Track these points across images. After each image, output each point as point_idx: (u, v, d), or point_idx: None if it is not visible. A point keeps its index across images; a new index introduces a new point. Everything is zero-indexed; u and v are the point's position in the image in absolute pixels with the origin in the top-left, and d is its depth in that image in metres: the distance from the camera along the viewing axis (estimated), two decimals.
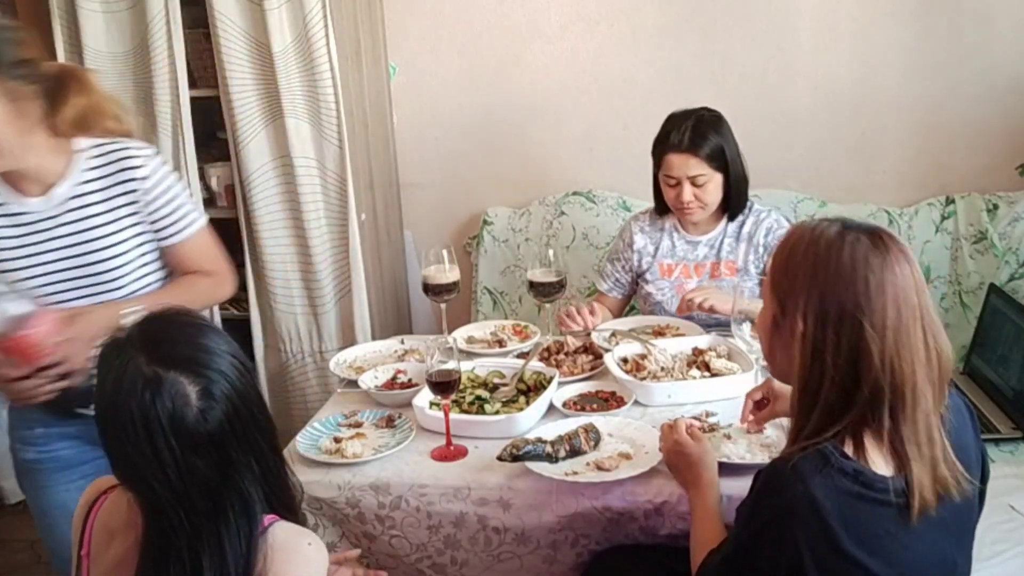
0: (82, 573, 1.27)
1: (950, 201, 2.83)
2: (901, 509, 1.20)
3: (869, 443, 1.21)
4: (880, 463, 1.21)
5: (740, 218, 2.35)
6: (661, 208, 2.41)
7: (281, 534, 1.22)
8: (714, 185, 2.26)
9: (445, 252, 2.16)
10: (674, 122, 2.27)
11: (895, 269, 1.19)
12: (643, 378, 1.96)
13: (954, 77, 2.81)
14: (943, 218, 2.82)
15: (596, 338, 2.19)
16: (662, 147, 2.27)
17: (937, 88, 2.84)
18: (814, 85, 2.90)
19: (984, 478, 1.35)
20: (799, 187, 2.93)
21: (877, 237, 1.21)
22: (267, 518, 1.24)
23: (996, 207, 2.77)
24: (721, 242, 2.35)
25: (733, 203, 2.31)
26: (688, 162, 2.23)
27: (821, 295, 1.20)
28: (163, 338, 1.22)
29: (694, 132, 2.23)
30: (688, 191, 2.24)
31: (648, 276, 2.42)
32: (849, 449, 1.20)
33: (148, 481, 1.16)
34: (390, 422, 1.91)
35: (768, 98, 2.92)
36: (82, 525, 1.28)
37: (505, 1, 3.00)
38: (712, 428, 1.78)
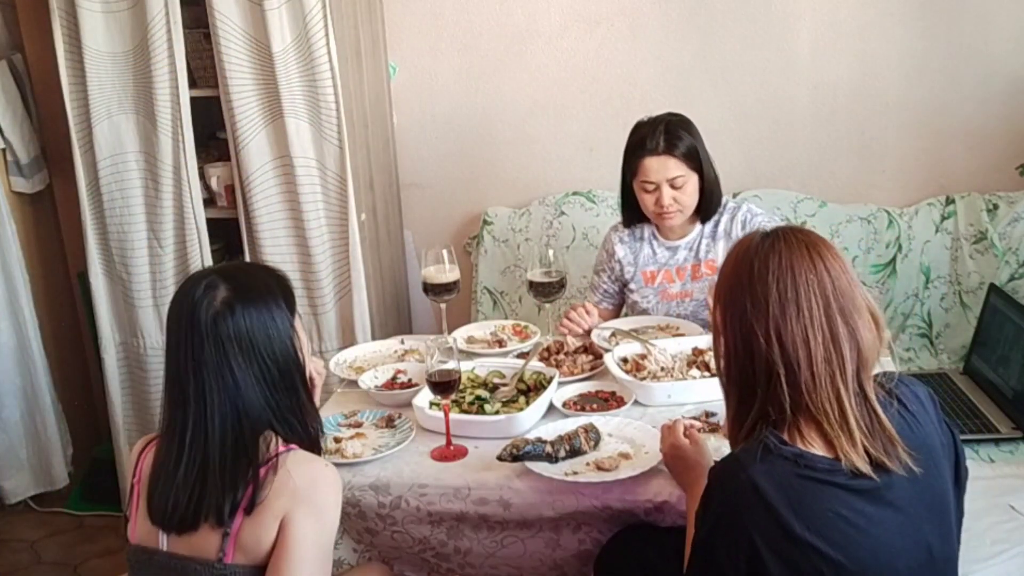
0: (134, 496, 1.49)
1: (950, 201, 2.83)
2: (852, 491, 1.22)
3: (807, 429, 1.25)
4: (820, 446, 1.24)
5: (715, 217, 2.35)
6: (630, 219, 2.40)
7: (299, 454, 1.43)
8: (692, 186, 2.25)
9: (445, 252, 2.16)
10: (645, 128, 2.27)
11: (782, 255, 1.26)
12: (643, 378, 1.96)
13: (954, 77, 2.81)
14: (943, 218, 2.82)
15: (596, 338, 2.20)
16: (639, 152, 2.25)
17: (937, 88, 2.84)
18: (814, 85, 2.90)
19: (958, 466, 1.36)
20: (799, 187, 2.93)
21: (776, 231, 1.31)
22: (292, 445, 1.44)
23: (996, 207, 2.77)
24: (699, 244, 2.35)
25: (706, 204, 2.31)
26: (667, 164, 2.22)
27: (722, 282, 1.32)
28: (242, 271, 1.53)
29: (668, 134, 2.23)
30: (668, 194, 2.23)
31: (632, 285, 2.42)
32: (788, 437, 1.24)
33: (169, 363, 1.42)
34: (390, 422, 1.91)
35: (768, 98, 2.92)
36: (135, 463, 1.51)
37: (505, 1, 3.00)
38: (713, 428, 1.78)
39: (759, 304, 1.25)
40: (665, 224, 2.34)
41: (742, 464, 1.22)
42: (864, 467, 1.22)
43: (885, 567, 1.23)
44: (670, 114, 2.30)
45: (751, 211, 2.34)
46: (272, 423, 1.43)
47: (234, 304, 1.40)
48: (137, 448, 1.54)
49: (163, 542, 1.43)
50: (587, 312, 2.28)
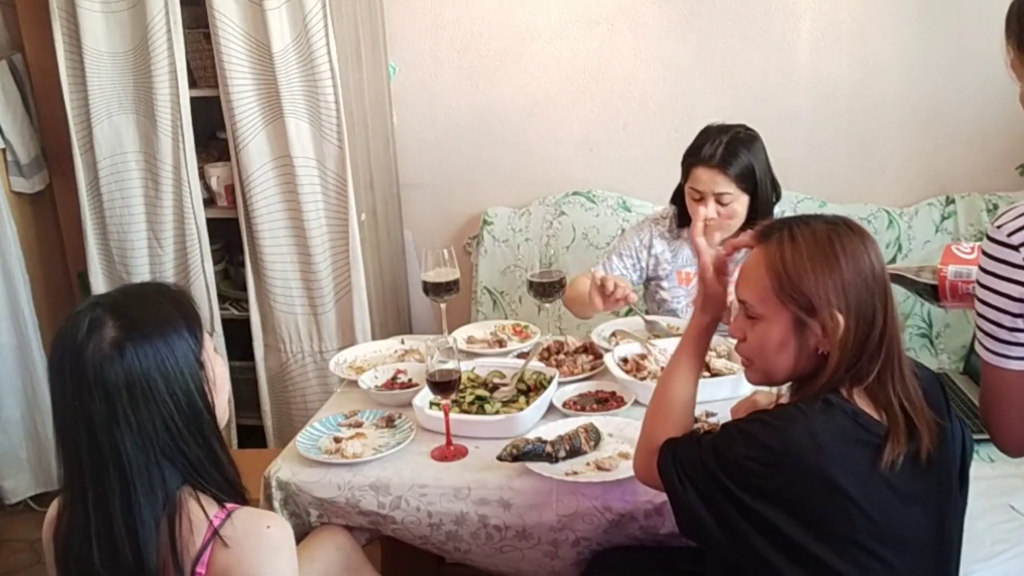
0: None
1: (950, 201, 2.83)
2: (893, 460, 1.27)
3: (861, 396, 1.30)
4: (872, 412, 1.30)
5: None
6: (683, 220, 2.34)
7: (240, 524, 1.25)
8: (739, 206, 2.20)
9: (445, 252, 2.16)
10: (709, 135, 2.21)
11: (880, 256, 1.33)
12: (643, 378, 1.96)
13: (954, 77, 2.81)
14: (943, 218, 2.82)
15: (596, 338, 2.20)
16: (692, 159, 2.21)
17: (937, 88, 2.84)
18: (814, 85, 2.90)
19: (964, 456, 1.39)
20: (799, 187, 2.93)
21: (859, 229, 1.34)
22: (228, 506, 1.27)
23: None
24: (741, 252, 2.31)
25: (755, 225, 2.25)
26: (716, 178, 2.17)
27: (844, 289, 1.29)
28: (133, 297, 1.30)
29: (727, 149, 2.16)
30: (712, 208, 2.18)
31: (664, 284, 2.39)
32: (847, 395, 1.30)
33: (56, 417, 1.23)
34: (390, 422, 1.91)
35: (768, 98, 2.92)
36: (52, 537, 1.30)
37: (505, 1, 3.00)
38: (713, 428, 1.78)
39: (886, 307, 1.30)
40: (706, 236, 2.29)
41: (805, 413, 1.27)
42: (927, 444, 1.28)
43: (904, 536, 1.28)
44: (741, 126, 2.24)
45: None
46: (188, 476, 1.26)
47: (123, 344, 1.21)
48: (49, 522, 1.31)
49: None
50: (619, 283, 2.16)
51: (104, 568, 1.21)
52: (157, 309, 1.27)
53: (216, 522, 1.24)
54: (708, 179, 2.19)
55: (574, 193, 3.06)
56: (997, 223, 1.23)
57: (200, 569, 1.23)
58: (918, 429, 1.28)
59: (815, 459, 1.23)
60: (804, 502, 1.24)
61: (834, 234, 1.31)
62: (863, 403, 1.29)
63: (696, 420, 1.79)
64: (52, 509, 1.32)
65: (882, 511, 1.25)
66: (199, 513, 1.24)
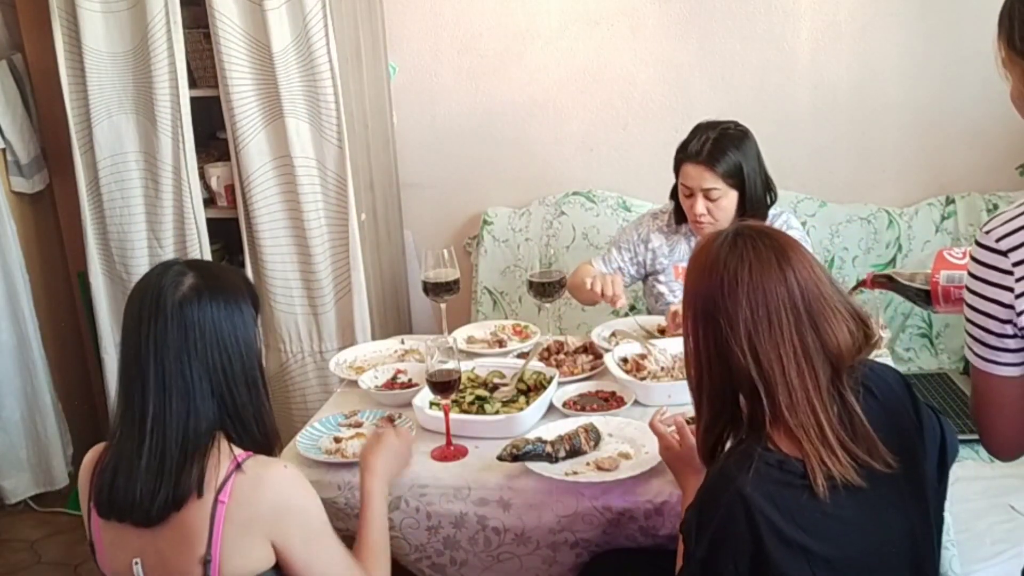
0: (93, 519, 1.43)
1: (950, 201, 2.83)
2: (835, 490, 1.22)
3: (785, 435, 1.24)
4: (800, 451, 1.23)
5: None
6: (681, 215, 2.35)
7: (255, 464, 1.38)
8: (728, 201, 2.21)
9: (445, 252, 2.16)
10: (698, 132, 2.23)
11: (752, 268, 1.24)
12: (643, 378, 1.96)
13: (954, 77, 2.81)
14: (943, 218, 2.82)
15: (596, 338, 2.20)
16: (681, 155, 2.24)
17: (937, 88, 2.84)
18: (814, 85, 2.90)
19: (944, 447, 1.36)
20: (799, 187, 2.93)
21: (741, 238, 1.28)
22: (242, 454, 1.39)
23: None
24: None
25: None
26: (703, 175, 2.18)
27: (694, 294, 1.30)
28: (211, 264, 1.49)
29: (714, 146, 2.18)
30: (701, 204, 2.20)
31: (662, 277, 2.40)
32: (771, 442, 1.24)
33: (127, 351, 1.39)
34: (390, 422, 1.91)
35: (768, 98, 2.92)
36: (89, 479, 1.44)
37: (505, 1, 3.00)
38: None
39: (733, 321, 1.23)
40: (697, 231, 2.31)
41: (729, 478, 1.22)
42: (849, 474, 1.21)
43: (872, 557, 1.25)
44: (731, 123, 2.25)
45: (788, 223, 2.30)
46: (225, 420, 1.40)
47: (202, 291, 1.38)
48: (88, 464, 1.46)
49: (138, 572, 1.39)
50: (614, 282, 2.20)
51: (144, 482, 1.34)
52: (231, 279, 1.45)
53: (241, 458, 1.38)
54: (696, 175, 2.20)
55: (574, 193, 3.06)
56: (986, 228, 1.22)
57: (223, 498, 1.35)
58: (869, 464, 1.23)
59: (752, 520, 1.19)
60: (764, 565, 1.20)
61: (711, 242, 1.29)
62: (786, 446, 1.24)
63: (689, 422, 1.80)
64: (90, 453, 1.46)
65: (837, 546, 1.22)
66: (225, 449, 1.38)
